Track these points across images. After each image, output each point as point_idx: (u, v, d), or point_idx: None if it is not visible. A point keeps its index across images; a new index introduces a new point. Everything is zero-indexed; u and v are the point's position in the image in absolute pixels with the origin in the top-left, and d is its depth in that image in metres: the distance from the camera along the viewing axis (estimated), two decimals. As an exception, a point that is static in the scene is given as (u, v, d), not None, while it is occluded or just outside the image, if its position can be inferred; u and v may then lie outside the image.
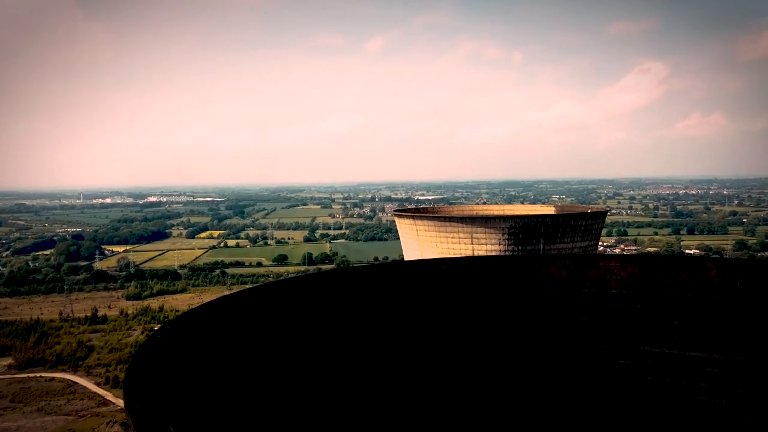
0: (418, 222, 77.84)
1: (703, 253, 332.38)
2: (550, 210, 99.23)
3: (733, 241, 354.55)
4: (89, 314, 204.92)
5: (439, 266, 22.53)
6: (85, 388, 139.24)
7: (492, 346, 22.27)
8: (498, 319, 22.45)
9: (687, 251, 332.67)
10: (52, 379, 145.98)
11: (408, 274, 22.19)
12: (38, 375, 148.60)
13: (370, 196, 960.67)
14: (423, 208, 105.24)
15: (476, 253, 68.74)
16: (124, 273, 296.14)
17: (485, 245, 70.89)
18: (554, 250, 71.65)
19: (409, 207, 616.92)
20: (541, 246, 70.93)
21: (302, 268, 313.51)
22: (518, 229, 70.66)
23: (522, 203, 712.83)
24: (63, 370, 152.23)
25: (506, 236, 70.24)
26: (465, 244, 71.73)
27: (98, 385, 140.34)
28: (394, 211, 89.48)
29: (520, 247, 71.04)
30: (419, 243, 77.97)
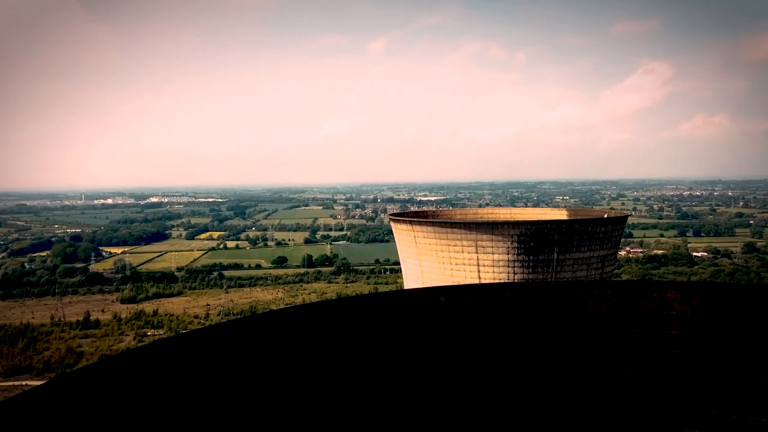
0: (417, 228, 69.91)
1: (711, 255, 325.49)
2: (562, 214, 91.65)
3: (742, 244, 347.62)
4: (82, 318, 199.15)
5: (435, 298, 16.59)
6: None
7: (507, 407, 16.34)
8: (515, 371, 16.50)
9: (695, 254, 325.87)
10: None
11: (392, 309, 16.29)
12: (24, 383, 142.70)
13: (372, 197, 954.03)
14: (422, 212, 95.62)
15: (481, 263, 63.23)
16: (119, 275, 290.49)
17: (492, 254, 63.58)
18: (569, 260, 64.66)
19: (412, 208, 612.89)
20: (555, 255, 63.76)
21: (302, 270, 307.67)
22: (529, 236, 63.00)
23: (525, 204, 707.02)
24: (50, 378, 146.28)
25: (515, 244, 62.86)
26: (469, 253, 64.44)
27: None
28: (390, 215, 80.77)
29: (531, 257, 63.68)
30: (417, 251, 70.19)
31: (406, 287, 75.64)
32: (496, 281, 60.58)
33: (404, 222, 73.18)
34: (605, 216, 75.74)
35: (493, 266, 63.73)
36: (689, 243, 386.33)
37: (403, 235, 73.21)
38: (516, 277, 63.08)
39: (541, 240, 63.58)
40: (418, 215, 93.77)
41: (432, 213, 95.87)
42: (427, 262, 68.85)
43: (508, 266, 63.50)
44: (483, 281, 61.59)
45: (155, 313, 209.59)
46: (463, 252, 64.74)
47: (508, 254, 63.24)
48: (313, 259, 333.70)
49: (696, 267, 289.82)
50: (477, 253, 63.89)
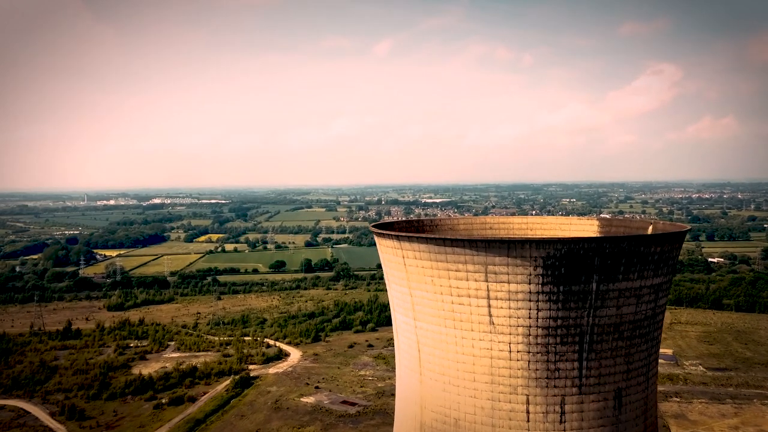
0: (406, 246, 52.29)
1: (728, 261, 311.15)
2: (591, 225, 71.94)
3: (760, 249, 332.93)
4: (62, 328, 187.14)
5: None
6: (36, 419, 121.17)
7: None
8: None
9: (710, 259, 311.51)
10: (3, 407, 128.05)
11: None
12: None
13: (376, 198, 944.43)
14: (416, 221, 77.12)
15: (493, 296, 48.03)
16: (109, 280, 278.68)
17: (507, 284, 47.29)
18: (613, 291, 47.75)
19: (416, 210, 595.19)
20: (594, 285, 47.09)
21: (299, 275, 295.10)
22: (558, 258, 46.77)
23: (532, 206, 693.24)
24: (18, 396, 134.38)
25: (540, 269, 46.72)
26: (476, 281, 48.01)
27: (52, 415, 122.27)
28: (373, 226, 62.87)
29: (561, 288, 46.98)
30: (407, 276, 53.04)
31: (394, 324, 59.83)
32: (513, 320, 46.76)
33: (389, 237, 55.31)
34: (650, 228, 60.15)
35: (509, 300, 47.59)
36: (703, 248, 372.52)
37: (389, 253, 55.75)
38: (541, 314, 47.21)
39: (575, 264, 47.06)
40: (411, 225, 73.69)
41: (429, 222, 76.27)
42: (419, 291, 52.19)
43: (530, 300, 47.38)
44: (495, 320, 47.43)
45: (141, 322, 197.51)
46: (468, 280, 48.22)
47: (529, 284, 47.00)
48: (312, 263, 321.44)
49: (714, 274, 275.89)
50: (487, 281, 47.52)
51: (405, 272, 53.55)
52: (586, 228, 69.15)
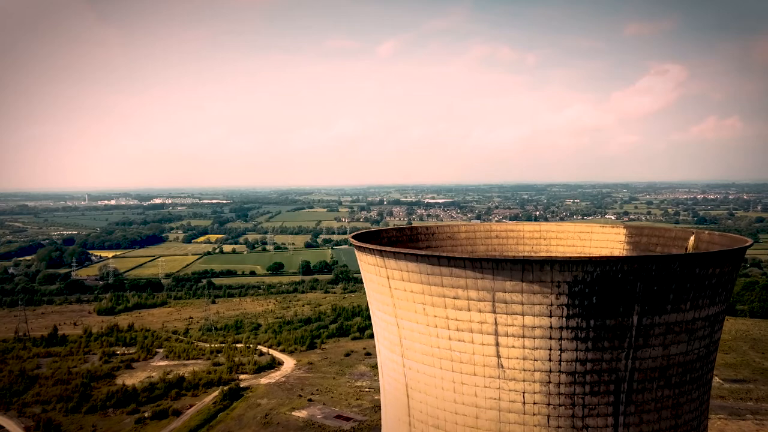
0: (391, 263, 40.32)
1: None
2: (618, 234, 59.21)
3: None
4: (47, 333, 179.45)
5: None
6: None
7: None
8: None
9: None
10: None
11: None
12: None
13: (378, 198, 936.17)
14: (409, 228, 63.38)
15: (503, 332, 36.94)
16: (101, 283, 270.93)
17: (521, 315, 35.94)
18: (660, 326, 36.59)
19: (419, 211, 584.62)
20: (635, 318, 35.84)
21: (297, 278, 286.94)
22: (588, 284, 35.27)
23: (536, 207, 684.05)
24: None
25: (564, 298, 35.50)
26: (481, 311, 36.59)
27: (27, 430, 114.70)
28: (352, 236, 51.73)
29: (592, 322, 35.62)
30: (393, 304, 41.23)
31: (378, 359, 49.06)
32: (528, 362, 35.69)
33: (371, 252, 42.94)
34: (691, 239, 50.06)
35: (524, 337, 36.20)
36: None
37: (372, 272, 43.61)
38: (564, 356, 35.96)
39: (611, 291, 35.57)
40: (402, 233, 59.90)
41: (425, 230, 61.87)
42: (407, 322, 40.29)
43: (551, 338, 36.15)
44: (505, 362, 36.42)
45: (130, 327, 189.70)
46: (470, 310, 36.50)
47: (550, 316, 35.63)
48: (311, 265, 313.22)
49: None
50: (495, 312, 36.04)
51: (390, 297, 42.37)
52: (611, 237, 57.89)
